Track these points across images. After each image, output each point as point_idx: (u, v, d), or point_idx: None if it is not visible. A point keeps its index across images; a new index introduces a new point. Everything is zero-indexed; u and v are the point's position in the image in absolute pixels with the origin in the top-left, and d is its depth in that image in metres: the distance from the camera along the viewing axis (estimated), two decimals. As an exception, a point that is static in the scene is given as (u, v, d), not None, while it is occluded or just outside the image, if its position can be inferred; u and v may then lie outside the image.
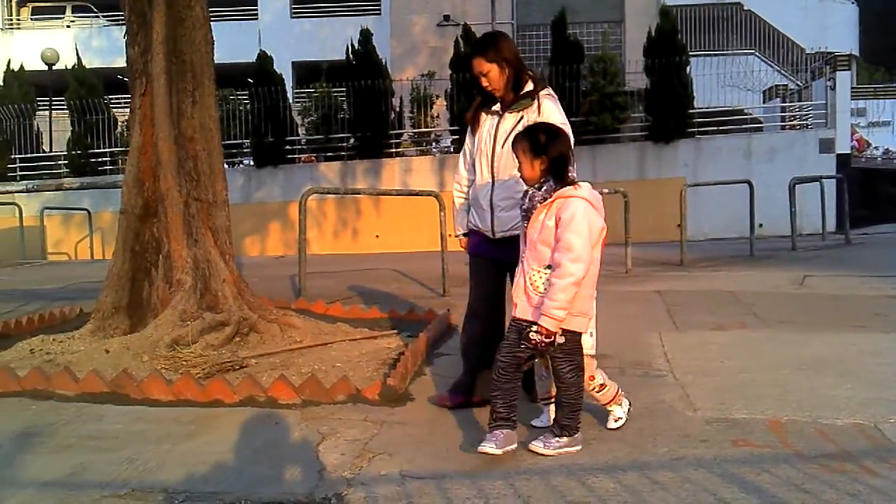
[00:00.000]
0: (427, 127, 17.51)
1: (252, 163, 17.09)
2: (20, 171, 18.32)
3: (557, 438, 2.98)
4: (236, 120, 16.86)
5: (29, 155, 18.52)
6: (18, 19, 26.90)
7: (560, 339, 2.90)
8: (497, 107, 3.62)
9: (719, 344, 4.95)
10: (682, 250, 9.89)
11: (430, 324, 5.27)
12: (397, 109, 17.25)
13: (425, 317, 5.84)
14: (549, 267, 2.91)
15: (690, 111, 16.26)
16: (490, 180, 3.58)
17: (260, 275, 8.67)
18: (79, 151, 17.78)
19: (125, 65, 5.56)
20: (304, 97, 18.32)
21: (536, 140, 2.96)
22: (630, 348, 4.85)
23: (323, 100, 17.00)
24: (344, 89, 16.80)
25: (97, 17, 26.45)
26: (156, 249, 5.26)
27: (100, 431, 3.40)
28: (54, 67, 19.72)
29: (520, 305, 3.00)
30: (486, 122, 3.67)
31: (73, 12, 27.05)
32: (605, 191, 10.20)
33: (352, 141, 16.91)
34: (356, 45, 16.92)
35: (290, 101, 17.75)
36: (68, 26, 25.91)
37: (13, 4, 26.90)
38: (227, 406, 3.72)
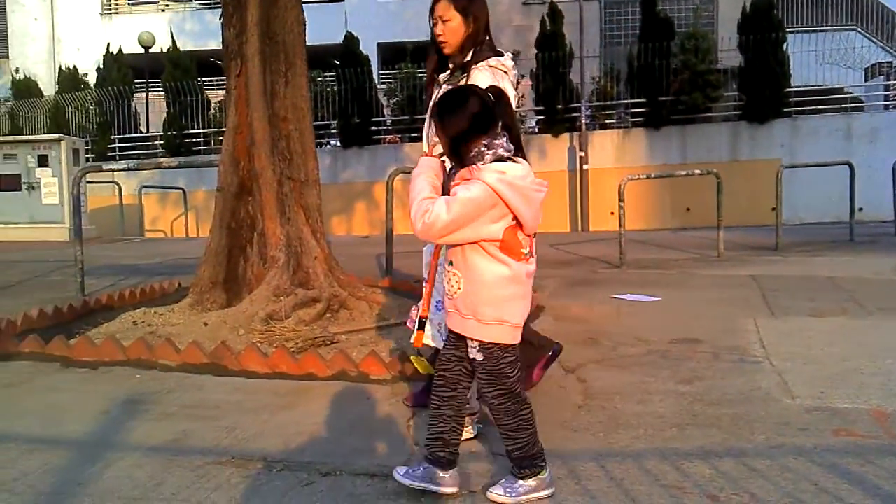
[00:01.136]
0: (512, 107, 17.40)
1: (339, 143, 17.36)
2: (119, 150, 19.09)
3: (521, 482, 2.41)
4: (323, 101, 17.14)
5: (127, 135, 19.28)
6: (116, 4, 27.91)
7: (478, 356, 2.39)
8: (444, 75, 3.24)
9: (818, 331, 4.78)
10: (777, 234, 9.56)
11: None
12: (482, 90, 17.20)
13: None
14: (451, 263, 2.38)
15: (787, 90, 15.67)
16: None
17: (347, 253, 8.80)
18: (174, 132, 18.41)
19: (217, 47, 5.70)
20: (390, 78, 18.46)
21: (441, 111, 2.42)
22: (724, 334, 4.73)
23: (408, 81, 17.10)
24: (429, 70, 16.84)
25: (190, 0, 27.22)
26: (251, 226, 5.40)
27: (200, 400, 3.53)
28: (150, 50, 20.42)
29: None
30: (436, 91, 3.29)
31: (167, -4, 27.93)
32: (697, 171, 9.96)
33: (436, 121, 16.96)
34: (441, 26, 16.91)
35: (376, 82, 17.90)
36: (163, 10, 26.72)
37: (112, -10, 27.95)
38: (320, 379, 3.81)
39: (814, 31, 17.77)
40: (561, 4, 16.78)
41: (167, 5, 27.17)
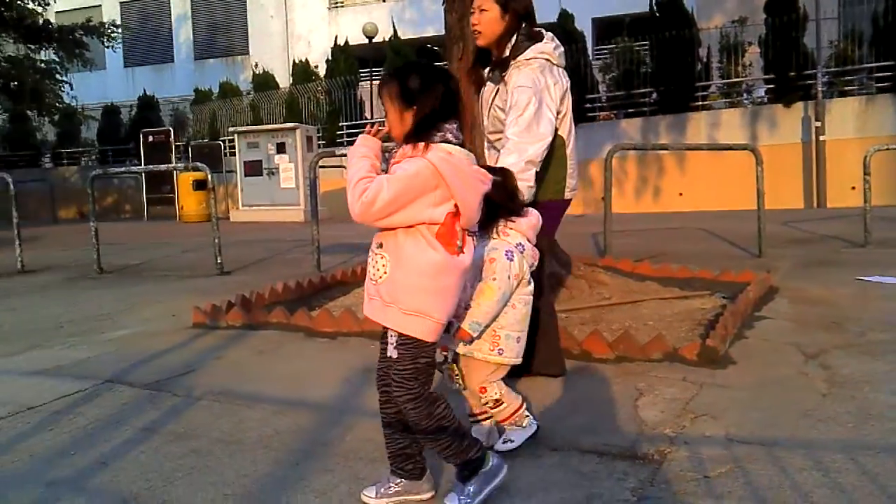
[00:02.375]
0: (737, 77, 16.42)
1: (552, 122, 17.27)
2: (346, 136, 20.29)
3: (470, 484, 2.24)
4: (538, 80, 17.12)
5: (354, 122, 20.43)
6: (342, -2, 29.57)
7: (393, 353, 2.21)
8: (488, 71, 3.31)
9: None
10: None
11: (750, 285, 4.96)
12: (704, 60, 16.38)
13: (741, 278, 5.51)
14: (380, 245, 2.21)
15: None
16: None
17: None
18: (393, 118, 19.21)
19: (435, 34, 5.85)
20: (605, 54, 18.10)
21: (406, 84, 2.21)
22: None
23: (624, 55, 16.67)
24: (646, 43, 16.32)
25: (409, -11, 28.22)
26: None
27: (429, 372, 3.66)
28: (373, 41, 21.43)
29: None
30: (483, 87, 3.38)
31: (387, -13, 29.12)
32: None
33: (654, 96, 16.40)
34: (661, -4, 16.31)
35: (591, 58, 17.61)
36: (384, 0, 27.95)
37: (339, -16, 29.62)
38: (543, 357, 3.82)
39: None
40: (794, -37, 15.52)
41: (388, -4, 28.38)
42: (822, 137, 14.55)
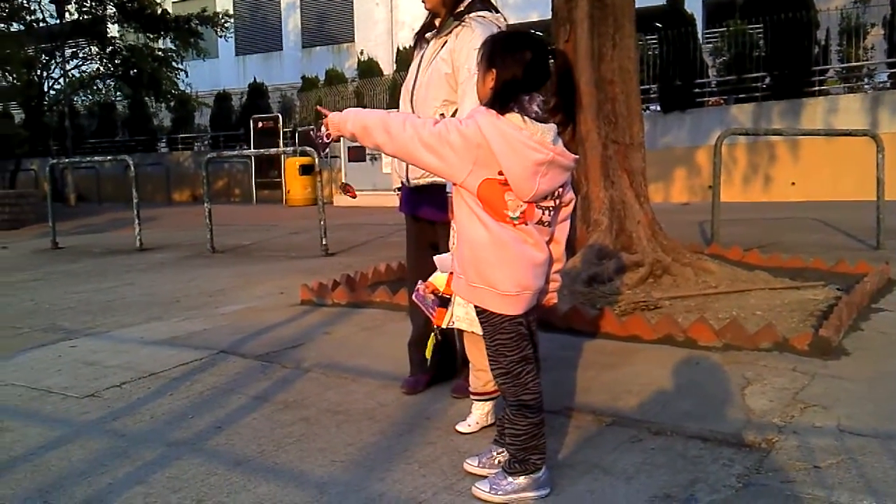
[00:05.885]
0: (858, 60, 15.59)
1: (658, 108, 16.86)
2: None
3: (510, 479, 2.18)
4: (644, 65, 16.70)
5: (455, 108, 20.51)
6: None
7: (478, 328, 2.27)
8: (431, 33, 3.03)
9: None
10: None
11: (867, 276, 4.75)
12: (822, 43, 15.60)
13: (857, 270, 5.28)
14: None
15: None
16: None
17: (667, 220, 8.52)
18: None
19: (538, 18, 5.80)
20: (716, 37, 17.51)
21: (492, 47, 2.15)
22: None
23: (736, 38, 16.07)
24: (760, 25, 15.68)
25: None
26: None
27: (530, 354, 3.68)
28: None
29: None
30: (420, 51, 3.09)
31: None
32: None
33: (767, 80, 15.75)
34: (777, -24, 15.61)
35: (700, 41, 17.06)
36: (488, -13, 27.85)
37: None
38: (645, 342, 3.78)
39: None
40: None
41: (491, -19, 28.25)
42: (949, 124, 13.65)
